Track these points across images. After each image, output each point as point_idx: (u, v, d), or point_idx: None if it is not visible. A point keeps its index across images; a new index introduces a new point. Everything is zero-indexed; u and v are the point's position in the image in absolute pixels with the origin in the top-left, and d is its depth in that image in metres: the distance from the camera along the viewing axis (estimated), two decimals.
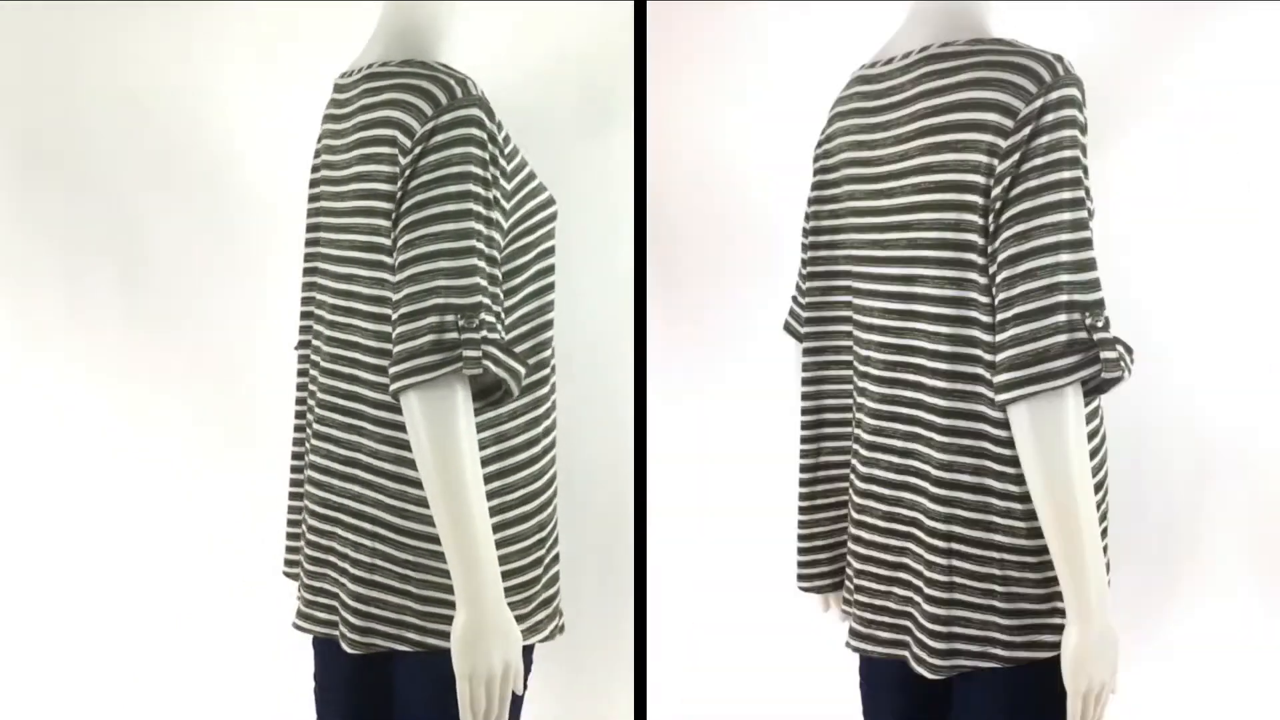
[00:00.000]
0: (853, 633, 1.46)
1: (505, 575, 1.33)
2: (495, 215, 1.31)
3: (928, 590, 1.34)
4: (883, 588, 1.41)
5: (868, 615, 1.43)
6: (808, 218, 1.55)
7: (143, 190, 1.97)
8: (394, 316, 1.28)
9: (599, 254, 1.96)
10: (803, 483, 1.55)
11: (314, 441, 1.44)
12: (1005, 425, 1.28)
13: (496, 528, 1.33)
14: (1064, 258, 1.23)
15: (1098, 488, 1.35)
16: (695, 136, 2.04)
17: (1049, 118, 1.23)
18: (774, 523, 1.76)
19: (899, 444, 1.39)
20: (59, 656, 2.05)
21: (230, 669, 2.06)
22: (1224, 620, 1.91)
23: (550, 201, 1.42)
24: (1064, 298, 1.23)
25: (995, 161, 1.25)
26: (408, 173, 1.28)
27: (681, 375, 2.09)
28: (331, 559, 1.41)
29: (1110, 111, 1.83)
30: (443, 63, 1.34)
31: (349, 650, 1.37)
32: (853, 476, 1.46)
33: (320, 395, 1.43)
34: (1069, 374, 1.22)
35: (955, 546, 1.32)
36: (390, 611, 1.35)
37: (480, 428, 1.32)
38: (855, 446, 1.46)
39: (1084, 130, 1.25)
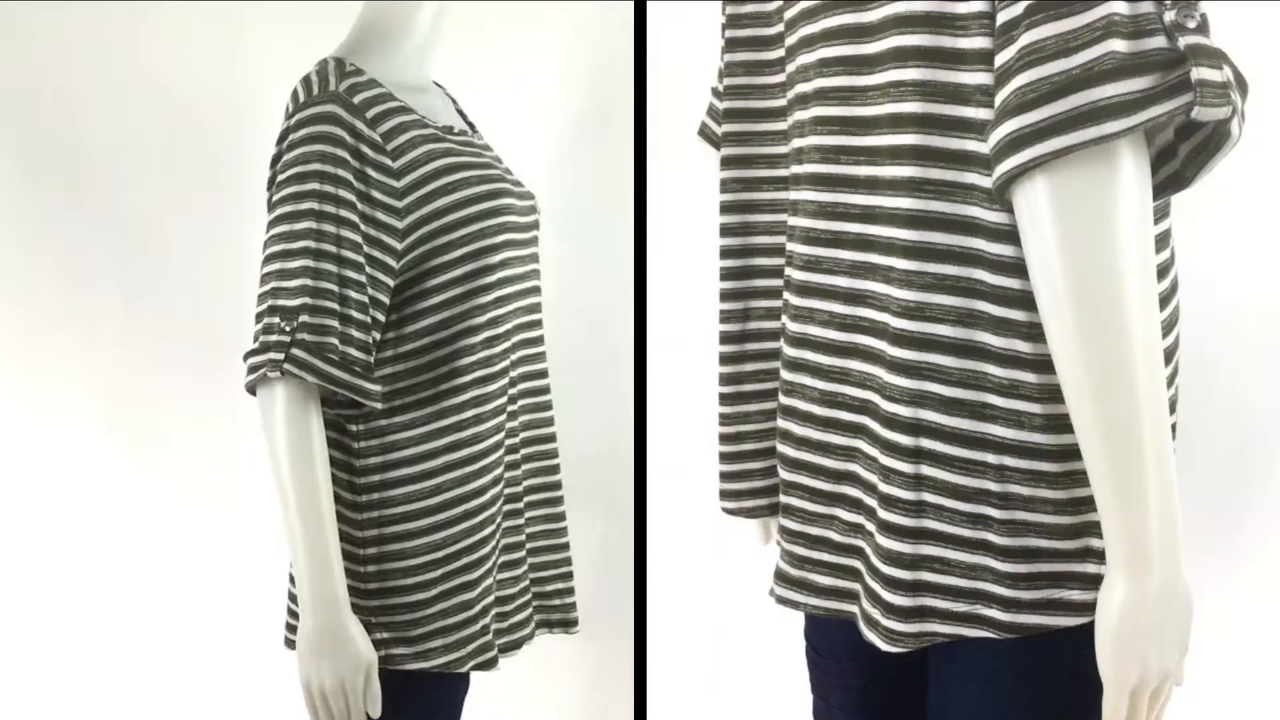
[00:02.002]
0: (779, 575, 1.05)
1: (383, 592, 1.27)
2: (359, 214, 1.23)
3: (884, 514, 0.92)
4: (820, 509, 1.00)
5: (799, 550, 1.03)
6: None
7: (143, 190, 1.97)
8: None
9: (599, 254, 1.96)
10: (725, 358, 1.16)
11: None
12: (1007, 237, 0.84)
13: (372, 540, 1.28)
14: None
15: (1166, 359, 0.87)
16: (695, 136, 2.04)
17: None
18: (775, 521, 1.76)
19: (843, 283, 0.96)
20: (58, 657, 2.05)
21: (230, 669, 2.06)
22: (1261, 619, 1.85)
23: (488, 196, 1.31)
24: None
25: None
26: (269, 178, 1.29)
27: (681, 375, 2.09)
28: None
29: None
30: (338, 58, 1.29)
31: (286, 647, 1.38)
32: (783, 341, 1.04)
33: None
34: (1130, 112, 0.72)
35: (925, 444, 0.89)
36: None
37: (368, 435, 1.28)
38: (786, 295, 1.03)
39: None
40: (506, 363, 1.35)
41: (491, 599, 1.34)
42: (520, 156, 1.48)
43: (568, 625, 1.47)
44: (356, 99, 1.24)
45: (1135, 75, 0.72)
